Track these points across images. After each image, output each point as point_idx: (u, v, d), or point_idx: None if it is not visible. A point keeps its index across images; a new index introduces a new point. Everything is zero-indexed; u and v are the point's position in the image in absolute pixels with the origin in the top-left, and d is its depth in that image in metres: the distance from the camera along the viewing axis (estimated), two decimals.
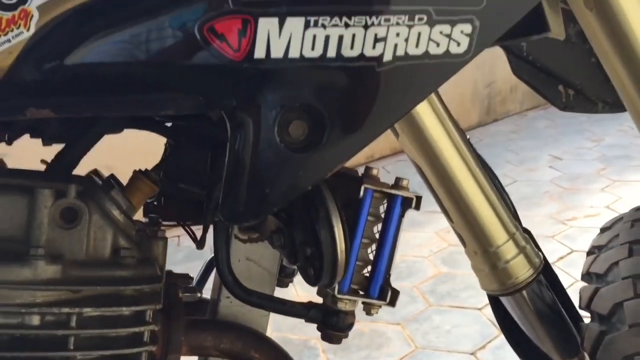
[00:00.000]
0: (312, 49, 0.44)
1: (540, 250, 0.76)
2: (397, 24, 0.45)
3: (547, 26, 0.58)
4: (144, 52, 0.44)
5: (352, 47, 0.45)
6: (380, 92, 0.46)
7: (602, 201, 2.75)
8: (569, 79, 0.86)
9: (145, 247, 0.54)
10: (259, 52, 0.44)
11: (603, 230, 0.89)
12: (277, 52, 0.44)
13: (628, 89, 0.66)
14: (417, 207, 0.59)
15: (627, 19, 0.61)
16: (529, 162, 3.43)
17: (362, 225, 0.56)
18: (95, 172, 0.62)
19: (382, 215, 0.59)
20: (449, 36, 0.46)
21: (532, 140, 3.88)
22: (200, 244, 0.66)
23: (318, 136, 0.46)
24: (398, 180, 0.59)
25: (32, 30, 0.43)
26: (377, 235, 0.59)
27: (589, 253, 0.85)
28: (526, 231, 0.76)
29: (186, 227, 0.67)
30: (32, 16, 0.43)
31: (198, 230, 0.68)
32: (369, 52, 0.45)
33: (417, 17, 0.45)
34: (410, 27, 0.45)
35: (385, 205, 0.59)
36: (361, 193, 0.56)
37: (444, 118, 0.65)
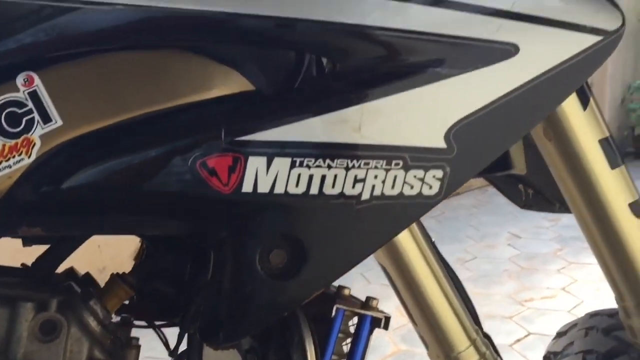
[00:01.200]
0: (297, 186, 0.48)
1: (499, 355, 0.79)
2: (376, 167, 0.49)
3: (511, 164, 0.63)
4: (138, 181, 0.47)
5: (333, 186, 0.48)
6: (358, 227, 0.50)
7: (558, 282, 2.82)
8: (528, 179, 0.91)
9: (119, 356, 0.55)
10: (247, 187, 0.47)
11: (559, 335, 0.93)
12: (263, 188, 0.47)
13: (580, 208, 0.72)
14: (386, 327, 0.62)
15: (581, 147, 0.67)
16: (489, 238, 3.51)
17: (332, 344, 0.59)
18: (71, 271, 0.63)
19: (352, 331, 0.61)
20: (422, 180, 0.50)
21: (493, 216, 3.97)
22: (174, 352, 0.67)
23: (297, 265, 0.49)
24: (368, 300, 0.62)
25: (33, 157, 0.46)
26: (345, 350, 0.61)
27: (545, 359, 0.88)
28: (486, 336, 0.79)
29: (158, 331, 0.68)
30: (34, 144, 0.46)
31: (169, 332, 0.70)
32: (349, 191, 0.49)
33: (394, 162, 0.49)
34: (387, 170, 0.49)
35: (355, 321, 0.61)
36: (333, 312, 0.59)
37: (411, 226, 0.69)
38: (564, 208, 0.96)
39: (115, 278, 0.61)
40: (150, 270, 0.66)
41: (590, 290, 2.67)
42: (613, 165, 0.69)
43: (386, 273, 0.73)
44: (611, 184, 0.69)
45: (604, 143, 0.69)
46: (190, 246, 0.65)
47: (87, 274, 0.64)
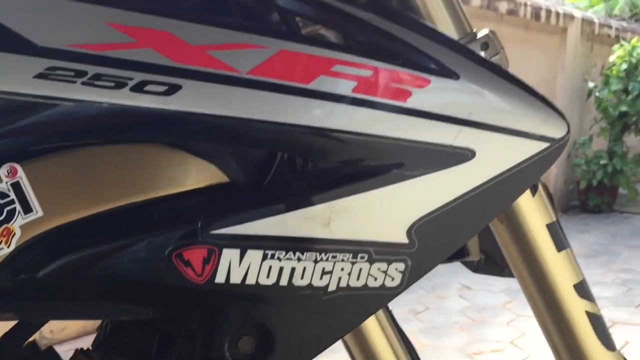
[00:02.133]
0: (267, 277, 0.50)
1: None
2: (342, 260, 0.52)
3: (467, 253, 0.67)
4: (114, 271, 0.49)
5: (302, 278, 0.51)
6: (324, 317, 0.53)
7: (507, 336, 2.88)
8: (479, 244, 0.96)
9: None
10: (220, 278, 0.49)
11: None
12: (235, 279, 0.50)
13: (529, 287, 0.76)
14: None
15: (530, 230, 0.72)
16: (441, 289, 3.56)
17: None
18: (34, 344, 0.64)
19: None
20: (385, 272, 0.53)
21: (443, 266, 4.04)
22: None
23: (265, 352, 0.51)
24: None
25: (12, 246, 0.47)
26: None
27: None
28: None
29: None
30: (14, 234, 0.47)
31: None
32: (317, 282, 0.51)
33: (359, 255, 0.52)
34: (353, 263, 0.52)
35: None
36: None
37: None
38: (511, 273, 1.02)
39: (79, 354, 0.61)
40: (116, 346, 0.66)
41: (537, 344, 2.74)
42: (559, 248, 0.74)
43: (345, 344, 0.75)
44: (557, 266, 0.74)
45: (551, 227, 0.74)
46: (157, 324, 0.66)
47: (50, 348, 0.64)
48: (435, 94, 0.52)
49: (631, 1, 8.01)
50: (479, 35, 0.67)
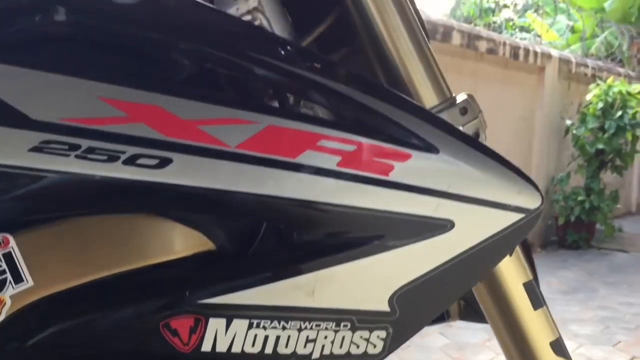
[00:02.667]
0: (253, 345, 0.52)
1: None
2: (326, 329, 0.53)
3: (448, 316, 0.69)
4: (102, 340, 0.50)
5: (286, 346, 0.52)
6: None
7: None
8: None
9: None
10: (206, 347, 0.51)
11: None
12: (221, 347, 0.51)
13: (506, 343, 0.78)
14: None
15: (508, 289, 0.75)
16: None
17: None
18: None
19: None
20: (367, 340, 0.54)
21: None
22: None
23: None
24: None
25: (3, 316, 0.48)
26: None
27: None
28: None
29: None
30: (4, 304, 0.48)
31: None
32: (301, 350, 0.53)
33: (342, 324, 0.54)
34: (336, 331, 0.53)
35: None
36: None
37: None
38: None
39: None
40: None
41: None
42: (536, 306, 0.76)
43: None
44: (534, 324, 0.76)
45: (528, 286, 0.76)
46: None
47: None
48: (416, 167, 0.55)
49: (607, 41, 8.24)
50: (458, 100, 0.70)
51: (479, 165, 0.57)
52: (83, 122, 0.47)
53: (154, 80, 0.51)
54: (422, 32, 0.70)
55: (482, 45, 5.05)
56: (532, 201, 0.59)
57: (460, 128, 0.67)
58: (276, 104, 0.61)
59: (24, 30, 0.50)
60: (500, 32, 10.47)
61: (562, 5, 9.96)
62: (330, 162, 0.52)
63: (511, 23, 11.38)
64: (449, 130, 0.57)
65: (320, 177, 0.52)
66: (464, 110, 0.68)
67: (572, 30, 9.52)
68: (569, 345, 3.25)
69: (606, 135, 5.71)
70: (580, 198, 5.70)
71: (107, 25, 0.51)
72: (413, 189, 0.55)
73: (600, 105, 5.71)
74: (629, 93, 5.71)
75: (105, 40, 0.51)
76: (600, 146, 5.73)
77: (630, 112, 5.68)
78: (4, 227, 0.49)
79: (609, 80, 5.86)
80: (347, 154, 0.53)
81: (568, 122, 5.96)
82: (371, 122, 0.55)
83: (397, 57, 0.68)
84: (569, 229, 5.76)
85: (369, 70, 0.71)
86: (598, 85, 5.83)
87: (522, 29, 11.16)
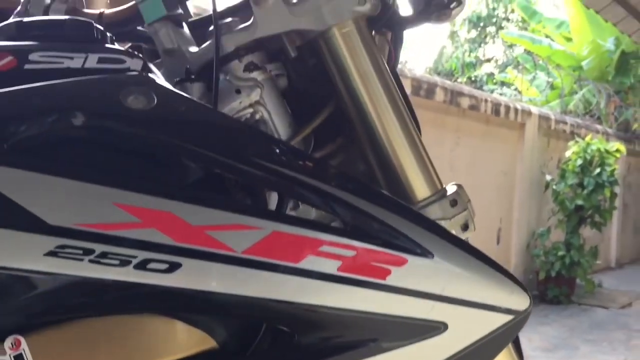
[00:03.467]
0: None
1: None
2: None
3: None
4: None
5: None
6: None
7: None
8: None
9: None
10: None
11: None
12: None
13: None
14: None
15: None
16: None
17: None
18: None
19: None
20: None
21: None
22: None
23: None
24: None
25: None
26: None
27: None
28: None
29: None
30: None
31: None
32: None
33: None
34: None
35: None
36: None
37: None
38: None
39: None
40: None
41: None
42: None
43: None
44: None
45: None
46: None
47: None
48: (412, 272, 0.58)
49: (585, 98, 8.47)
50: (449, 191, 0.73)
51: (472, 268, 0.60)
52: (98, 227, 0.50)
53: (166, 185, 0.54)
54: (412, 122, 0.74)
55: (465, 102, 5.17)
56: (521, 303, 0.62)
57: (451, 220, 0.71)
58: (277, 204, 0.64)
59: (42, 134, 0.52)
60: (482, 87, 10.73)
61: (541, 62, 10.26)
62: (330, 267, 0.55)
63: (492, 78, 11.67)
64: (443, 234, 0.61)
65: (321, 281, 0.55)
66: (454, 202, 0.72)
67: (552, 86, 9.78)
68: None
69: (585, 191, 5.81)
70: (560, 253, 5.76)
71: (120, 129, 0.54)
72: (409, 292, 0.57)
73: (579, 162, 5.84)
74: (606, 151, 5.85)
75: (118, 144, 0.54)
76: (580, 202, 5.82)
77: (608, 169, 5.81)
78: (16, 329, 0.51)
79: (587, 138, 6.01)
80: (347, 259, 0.56)
81: (548, 177, 6.07)
82: (370, 227, 0.58)
83: (390, 149, 0.72)
84: (549, 284, 5.80)
85: (363, 159, 0.75)
86: (577, 142, 5.97)
87: (503, 84, 11.44)
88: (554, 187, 5.95)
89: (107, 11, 0.78)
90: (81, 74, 0.57)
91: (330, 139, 0.77)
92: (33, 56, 0.57)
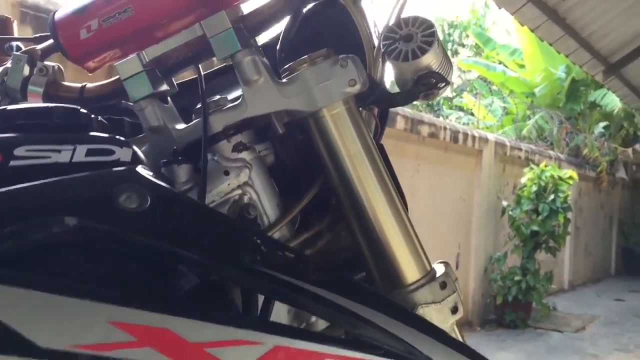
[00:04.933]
0: None
1: None
2: None
3: None
4: None
5: None
6: None
7: None
8: None
9: None
10: None
11: None
12: None
13: None
14: None
15: None
16: None
17: None
18: None
19: None
20: None
21: None
22: None
23: None
24: None
25: None
26: None
27: None
28: None
29: None
30: None
31: None
32: None
33: None
34: None
35: None
36: None
37: None
38: None
39: None
40: None
41: None
42: None
43: None
44: None
45: None
46: None
47: None
48: None
49: (538, 125, 8.70)
50: (438, 273, 0.73)
51: None
52: (93, 348, 0.47)
53: (162, 295, 0.52)
54: (401, 201, 0.74)
55: (424, 130, 5.24)
56: None
57: (440, 303, 0.70)
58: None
59: (30, 241, 0.50)
60: (438, 110, 10.92)
61: (495, 87, 10.51)
62: None
63: (450, 102, 11.90)
64: (445, 339, 0.60)
65: None
66: (443, 285, 0.71)
67: (506, 111, 10.02)
68: None
69: (540, 217, 5.95)
70: (517, 278, 5.86)
71: (113, 233, 0.52)
72: None
73: (534, 188, 5.98)
74: (560, 178, 6.02)
75: (111, 249, 0.52)
76: (535, 228, 5.96)
77: (562, 195, 5.97)
78: None
79: (542, 165, 6.17)
80: None
81: (504, 203, 6.19)
82: (372, 336, 0.57)
83: (380, 231, 0.71)
84: (506, 308, 5.89)
85: (350, 237, 0.74)
86: (532, 169, 6.12)
87: (459, 108, 11.67)
88: (510, 212, 6.08)
89: (90, 85, 0.76)
90: (70, 169, 0.54)
91: (318, 216, 0.76)
92: (18, 151, 0.54)
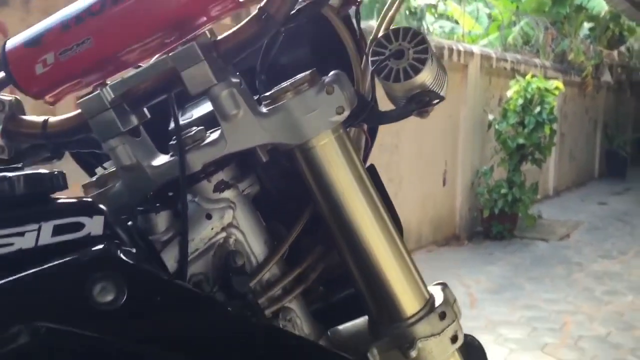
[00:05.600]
0: None
1: None
2: None
3: None
4: None
5: None
6: None
7: None
8: None
9: None
10: None
11: None
12: None
13: None
14: None
15: None
16: None
17: None
18: None
19: None
20: None
21: None
22: None
23: None
24: None
25: None
26: None
27: None
28: None
29: None
30: None
31: None
32: None
33: None
34: None
35: None
36: None
37: None
38: None
39: None
40: None
41: None
42: None
43: None
44: None
45: None
46: None
47: None
48: None
49: (523, 31, 8.52)
50: (436, 301, 0.70)
51: None
52: None
53: None
54: (395, 228, 0.70)
55: None
56: None
57: (440, 335, 0.68)
58: None
59: None
60: (422, 19, 10.62)
61: None
62: None
63: (432, 10, 11.55)
64: None
65: None
66: (442, 315, 0.69)
67: (490, 17, 9.77)
68: (501, 351, 3.41)
69: (526, 130, 5.94)
70: (503, 191, 5.93)
71: (89, 335, 0.48)
72: None
73: (520, 101, 5.93)
74: (546, 89, 5.95)
75: (87, 352, 0.48)
76: (521, 141, 5.96)
77: (548, 107, 5.93)
78: None
79: (528, 77, 6.08)
80: None
81: (490, 116, 6.16)
82: None
83: (376, 263, 0.68)
84: (493, 221, 5.99)
85: (343, 266, 0.70)
86: (518, 81, 6.04)
87: (443, 16, 11.35)
88: (497, 126, 6.06)
89: (53, 119, 0.69)
90: (36, 256, 0.50)
91: (309, 249, 0.72)
92: None
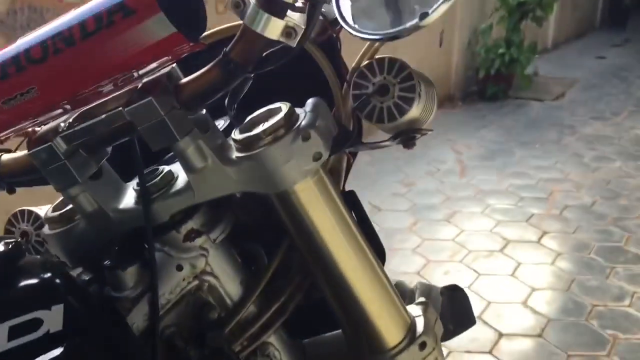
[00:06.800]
0: None
1: None
2: None
3: None
4: None
5: None
6: None
7: (413, 266, 3.11)
8: None
9: None
10: None
11: None
12: None
13: None
14: None
15: None
16: None
17: None
18: None
19: None
20: None
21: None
22: None
23: None
24: None
25: None
26: None
27: None
28: None
29: None
30: None
31: None
32: None
33: None
34: None
35: None
36: None
37: None
38: None
39: None
40: None
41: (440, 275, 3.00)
42: None
43: None
44: None
45: None
46: None
47: None
48: None
49: None
50: (418, 328, 0.70)
51: None
52: None
53: None
54: (377, 259, 0.68)
55: None
56: None
57: None
58: None
59: None
60: None
61: None
62: None
63: None
64: None
65: None
66: (422, 345, 0.69)
67: None
68: (488, 223, 3.51)
69: None
70: (501, 51, 5.76)
71: None
72: None
73: None
74: None
75: None
76: None
77: None
78: None
79: None
80: None
81: None
82: None
83: (357, 297, 0.66)
84: (489, 82, 5.90)
85: (322, 294, 0.69)
86: None
87: None
88: None
89: (5, 157, 0.63)
90: None
91: (288, 280, 0.69)
92: None
